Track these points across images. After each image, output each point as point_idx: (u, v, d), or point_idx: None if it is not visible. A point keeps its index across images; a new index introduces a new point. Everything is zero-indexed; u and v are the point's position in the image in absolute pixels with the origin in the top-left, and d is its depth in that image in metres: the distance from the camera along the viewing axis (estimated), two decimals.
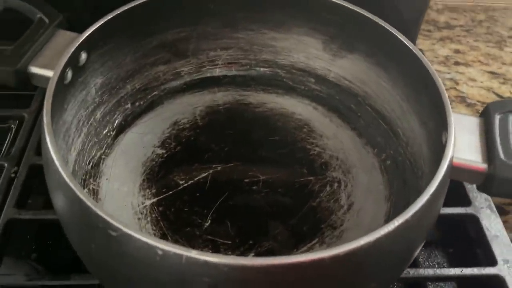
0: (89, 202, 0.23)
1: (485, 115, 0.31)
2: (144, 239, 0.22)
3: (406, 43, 0.37)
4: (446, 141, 0.28)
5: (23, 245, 0.37)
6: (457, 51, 0.56)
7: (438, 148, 0.33)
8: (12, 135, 0.44)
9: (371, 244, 0.22)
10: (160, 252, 0.22)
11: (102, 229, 0.23)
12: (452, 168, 0.28)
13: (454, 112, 0.30)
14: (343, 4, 0.40)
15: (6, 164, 0.38)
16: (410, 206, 0.24)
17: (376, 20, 0.39)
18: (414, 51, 0.36)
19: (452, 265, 0.37)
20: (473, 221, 0.38)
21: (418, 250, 0.28)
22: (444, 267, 0.37)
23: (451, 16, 0.61)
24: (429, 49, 0.56)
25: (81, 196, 0.24)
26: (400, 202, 0.37)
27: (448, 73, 0.54)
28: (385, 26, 0.38)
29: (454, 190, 0.35)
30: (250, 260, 0.22)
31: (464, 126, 0.30)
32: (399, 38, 0.38)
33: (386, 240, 0.23)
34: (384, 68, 0.40)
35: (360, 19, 0.40)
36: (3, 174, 0.38)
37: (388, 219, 0.36)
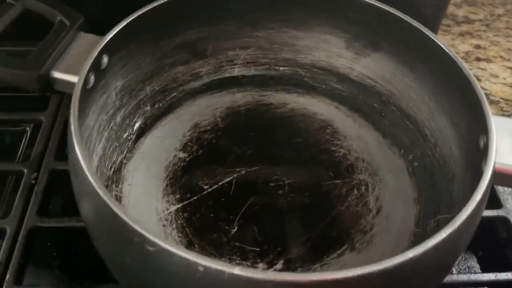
0: (125, 216, 0.23)
1: None
2: (184, 254, 0.21)
3: (435, 40, 0.36)
4: (486, 145, 0.27)
5: (45, 253, 0.36)
6: (477, 47, 0.55)
7: (471, 149, 0.32)
8: (27, 138, 0.43)
9: (418, 256, 0.22)
10: (201, 269, 0.21)
11: (138, 243, 0.22)
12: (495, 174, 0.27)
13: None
14: (366, 1, 0.39)
15: (25, 170, 0.37)
16: (456, 217, 0.23)
17: (401, 16, 0.38)
18: (444, 47, 0.35)
19: (483, 268, 0.36)
20: (504, 224, 0.37)
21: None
22: (474, 271, 0.36)
23: (469, 10, 0.60)
24: (449, 45, 0.55)
25: (117, 211, 0.23)
26: (430, 205, 0.36)
27: (470, 69, 0.52)
28: (411, 22, 0.37)
29: None
30: (297, 276, 0.21)
31: (502, 128, 0.29)
32: (426, 34, 0.36)
33: (432, 252, 0.22)
34: (410, 66, 0.39)
35: (384, 16, 0.38)
36: (23, 180, 0.37)
37: (418, 223, 0.35)
